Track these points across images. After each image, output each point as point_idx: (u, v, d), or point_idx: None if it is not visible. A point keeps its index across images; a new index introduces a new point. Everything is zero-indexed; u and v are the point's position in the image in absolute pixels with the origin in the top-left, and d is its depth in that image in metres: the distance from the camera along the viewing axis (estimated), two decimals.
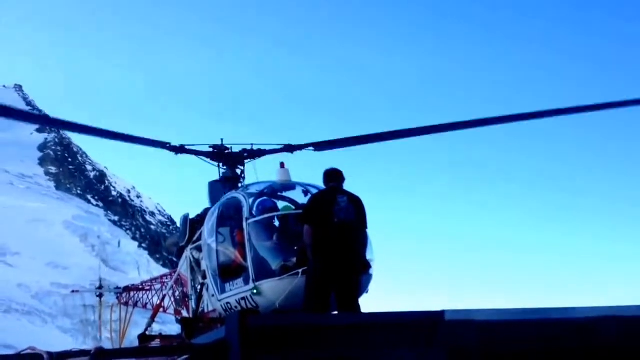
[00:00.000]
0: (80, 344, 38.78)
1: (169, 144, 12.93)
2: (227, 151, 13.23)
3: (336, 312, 9.55)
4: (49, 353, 5.86)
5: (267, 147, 13.16)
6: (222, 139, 13.29)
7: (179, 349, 8.57)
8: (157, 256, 58.71)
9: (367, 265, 10.23)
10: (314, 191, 10.77)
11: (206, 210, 12.32)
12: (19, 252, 47.20)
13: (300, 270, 9.52)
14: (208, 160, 13.26)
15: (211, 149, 13.20)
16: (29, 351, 5.88)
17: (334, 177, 9.95)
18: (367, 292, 10.42)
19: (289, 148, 12.87)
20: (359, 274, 9.63)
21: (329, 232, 9.34)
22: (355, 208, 9.69)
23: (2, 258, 46.11)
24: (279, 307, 9.72)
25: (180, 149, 13.01)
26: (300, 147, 12.85)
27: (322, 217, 9.41)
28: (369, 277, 10.38)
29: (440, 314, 6.77)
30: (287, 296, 9.61)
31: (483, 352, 6.65)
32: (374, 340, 6.75)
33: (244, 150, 13.18)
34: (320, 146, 12.95)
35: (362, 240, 9.90)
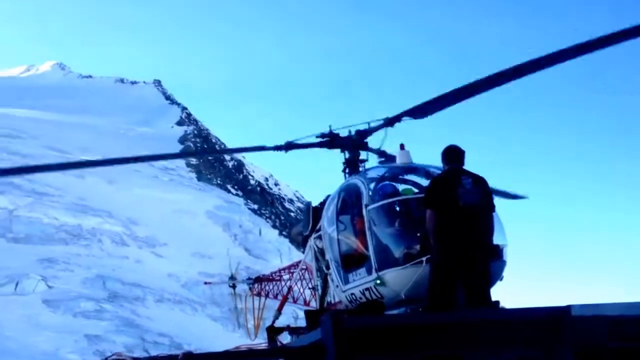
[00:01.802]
0: (230, 331, 40.26)
1: (276, 145, 12.92)
2: (338, 137, 12.89)
3: (461, 305, 9.18)
4: (134, 359, 5.90)
5: (373, 125, 12.54)
6: (330, 126, 12.95)
7: (271, 353, 8.42)
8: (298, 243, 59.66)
9: (496, 252, 9.64)
10: (437, 173, 10.20)
11: (327, 198, 12.04)
12: (166, 243, 49.37)
13: (424, 259, 9.10)
14: (324, 149, 12.97)
15: (320, 139, 12.94)
16: (114, 357, 5.95)
17: (454, 155, 9.43)
18: (501, 279, 9.80)
19: (388, 122, 12.20)
20: (487, 261, 9.04)
21: (454, 217, 8.86)
22: (481, 190, 9.15)
23: (152, 249, 48.41)
24: (404, 298, 9.32)
25: (288, 147, 12.96)
26: (397, 118, 12.09)
27: (445, 201, 8.95)
28: (502, 263, 9.80)
29: (566, 309, 6.32)
30: (412, 286, 9.19)
31: (614, 350, 6.14)
32: (488, 340, 6.40)
33: (356, 132, 12.75)
34: (417, 112, 11.86)
35: (490, 225, 9.26)
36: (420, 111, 11.84)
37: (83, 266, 43.37)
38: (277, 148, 12.99)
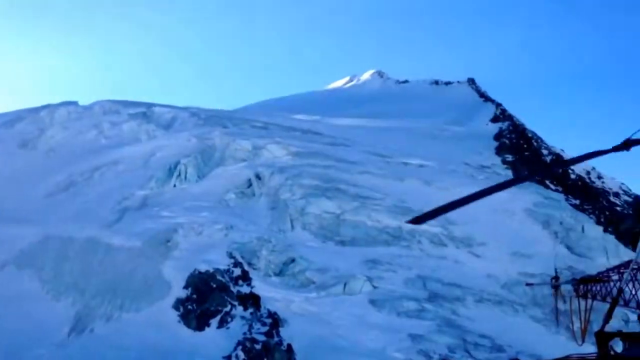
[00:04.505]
0: (552, 334, 38.97)
1: (614, 147, 12.06)
2: None
3: None
4: None
5: None
6: None
7: None
8: (627, 240, 55.81)
9: None
10: None
11: None
12: (485, 242, 49.19)
13: None
14: None
15: None
16: None
17: None
18: None
19: None
20: None
21: None
22: None
23: (469, 249, 48.58)
24: None
25: (628, 144, 12.05)
26: None
27: None
28: None
29: None
30: None
31: None
32: None
33: None
34: None
35: None
36: None
37: (404, 267, 44.92)
38: (616, 149, 12.07)
